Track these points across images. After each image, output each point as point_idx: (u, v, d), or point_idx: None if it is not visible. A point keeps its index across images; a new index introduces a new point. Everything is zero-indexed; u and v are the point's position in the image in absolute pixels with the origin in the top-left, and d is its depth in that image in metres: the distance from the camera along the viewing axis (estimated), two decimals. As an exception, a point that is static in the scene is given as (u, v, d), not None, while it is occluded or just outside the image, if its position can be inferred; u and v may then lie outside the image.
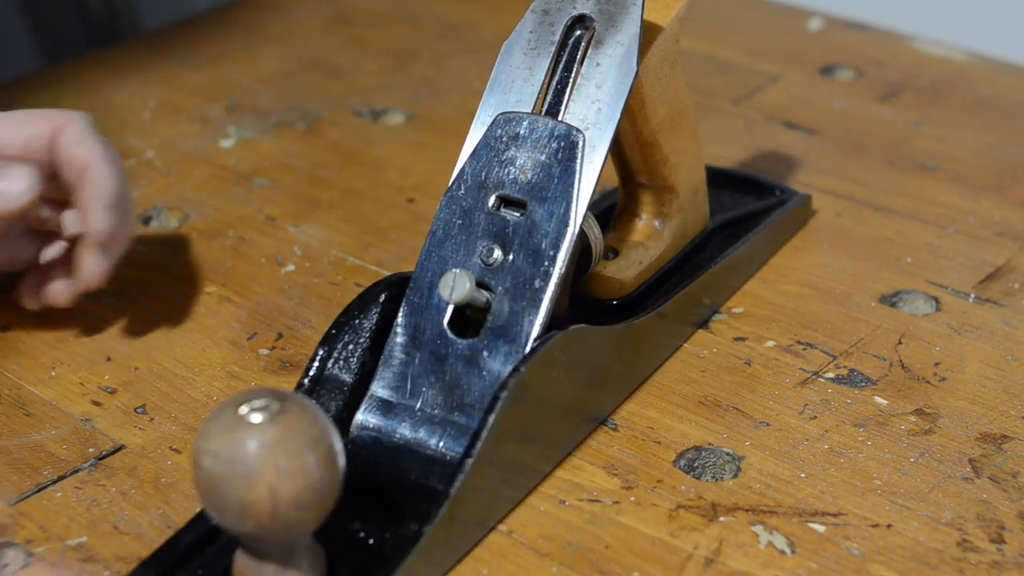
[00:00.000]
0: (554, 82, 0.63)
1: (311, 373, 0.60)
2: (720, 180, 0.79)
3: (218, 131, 0.92)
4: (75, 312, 0.73)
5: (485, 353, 0.60)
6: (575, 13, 0.63)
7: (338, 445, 0.50)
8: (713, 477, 0.61)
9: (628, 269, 0.69)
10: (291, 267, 0.77)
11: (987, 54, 1.00)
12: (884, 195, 0.83)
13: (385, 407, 0.61)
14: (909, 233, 0.79)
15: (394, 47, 1.03)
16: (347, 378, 0.61)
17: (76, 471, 0.62)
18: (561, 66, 0.63)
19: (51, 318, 0.72)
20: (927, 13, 1.08)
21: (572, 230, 0.61)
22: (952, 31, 1.05)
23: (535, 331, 0.60)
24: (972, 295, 0.73)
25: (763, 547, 0.57)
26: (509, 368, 0.59)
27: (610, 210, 0.74)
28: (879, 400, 0.66)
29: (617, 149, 0.70)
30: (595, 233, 0.65)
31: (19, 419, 0.65)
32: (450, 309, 0.61)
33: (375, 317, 0.62)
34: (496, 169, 0.62)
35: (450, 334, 0.61)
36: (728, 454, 0.63)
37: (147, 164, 0.88)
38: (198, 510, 0.56)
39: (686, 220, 0.72)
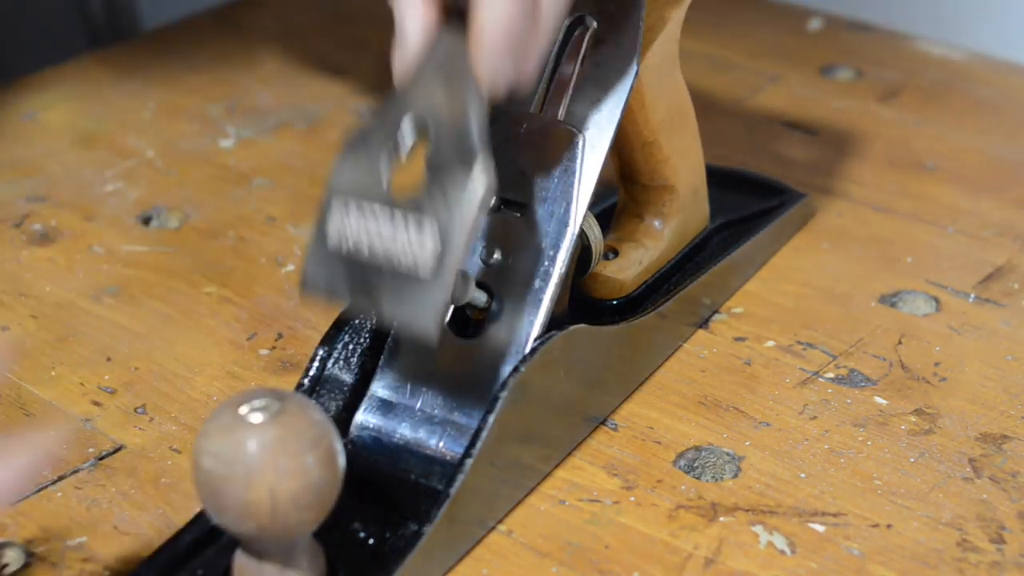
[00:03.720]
0: (554, 82, 0.63)
1: (311, 373, 0.60)
2: (720, 180, 0.79)
3: (218, 131, 0.92)
4: (75, 312, 0.73)
5: (485, 353, 0.60)
6: (575, 13, 0.63)
7: (338, 445, 0.50)
8: (713, 477, 0.61)
9: (628, 269, 0.69)
10: (291, 267, 0.77)
11: (987, 54, 1.00)
12: (884, 195, 0.83)
13: (385, 407, 0.61)
14: (909, 233, 0.79)
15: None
16: (347, 378, 0.61)
17: (76, 471, 0.62)
18: (561, 66, 0.63)
19: (51, 318, 0.72)
20: (927, 13, 1.08)
21: (572, 230, 0.61)
22: (952, 31, 1.05)
23: (535, 331, 0.60)
24: (972, 295, 0.73)
25: (763, 547, 0.57)
26: (509, 368, 0.59)
27: (610, 210, 0.74)
28: (879, 400, 0.66)
29: (617, 149, 0.70)
30: (595, 233, 0.65)
31: (19, 419, 0.65)
32: (450, 309, 0.61)
33: (375, 317, 0.62)
34: (496, 169, 0.62)
35: (450, 334, 0.61)
36: (728, 454, 0.63)
37: (147, 164, 0.88)
38: (198, 510, 0.56)
39: (686, 220, 0.72)
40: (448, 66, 0.56)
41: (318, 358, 0.60)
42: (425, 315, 0.53)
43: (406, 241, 0.54)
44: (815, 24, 1.06)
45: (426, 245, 0.54)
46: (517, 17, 0.53)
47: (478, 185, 0.54)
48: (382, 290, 0.54)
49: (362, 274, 0.55)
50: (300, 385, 0.60)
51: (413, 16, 0.56)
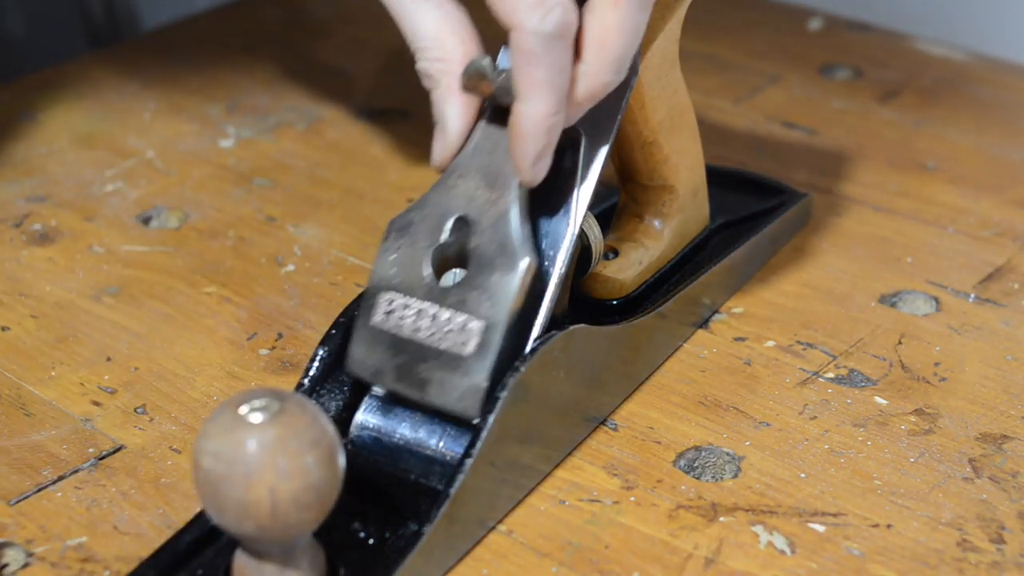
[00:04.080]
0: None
1: (311, 373, 0.60)
2: (720, 180, 0.79)
3: (218, 131, 0.92)
4: (75, 312, 0.73)
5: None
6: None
7: (338, 445, 0.50)
8: (713, 477, 0.61)
9: (628, 269, 0.69)
10: (291, 267, 0.77)
11: (987, 54, 1.00)
12: (884, 195, 0.83)
13: (385, 407, 0.61)
14: (909, 233, 0.79)
15: (394, 47, 1.03)
16: (347, 378, 0.61)
17: (76, 471, 0.62)
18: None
19: (51, 318, 0.72)
20: (927, 13, 1.08)
21: (572, 230, 0.61)
22: (952, 31, 1.05)
23: (535, 331, 0.60)
24: (972, 295, 0.73)
25: (763, 547, 0.57)
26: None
27: (610, 210, 0.74)
28: (879, 400, 0.66)
29: (617, 149, 0.70)
30: (595, 233, 0.65)
31: (19, 419, 0.65)
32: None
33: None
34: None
35: None
36: (728, 454, 0.63)
37: (147, 164, 0.88)
38: (198, 510, 0.56)
39: (686, 220, 0.72)
40: (488, 157, 0.59)
41: (318, 358, 0.60)
42: (467, 399, 0.57)
43: (450, 325, 0.58)
44: (815, 24, 1.06)
45: (470, 327, 0.57)
46: (553, 113, 0.56)
47: (519, 272, 0.57)
48: (425, 374, 0.58)
49: (407, 358, 0.58)
50: (300, 385, 0.60)
51: (453, 104, 0.59)
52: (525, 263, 0.57)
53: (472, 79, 0.57)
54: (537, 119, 0.56)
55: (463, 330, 0.57)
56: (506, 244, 0.58)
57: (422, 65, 0.59)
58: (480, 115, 0.60)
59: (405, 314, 0.58)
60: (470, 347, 0.57)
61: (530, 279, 0.58)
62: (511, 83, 0.56)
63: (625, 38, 0.57)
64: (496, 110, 0.59)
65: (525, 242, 0.58)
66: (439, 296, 0.58)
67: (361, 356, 0.59)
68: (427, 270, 0.59)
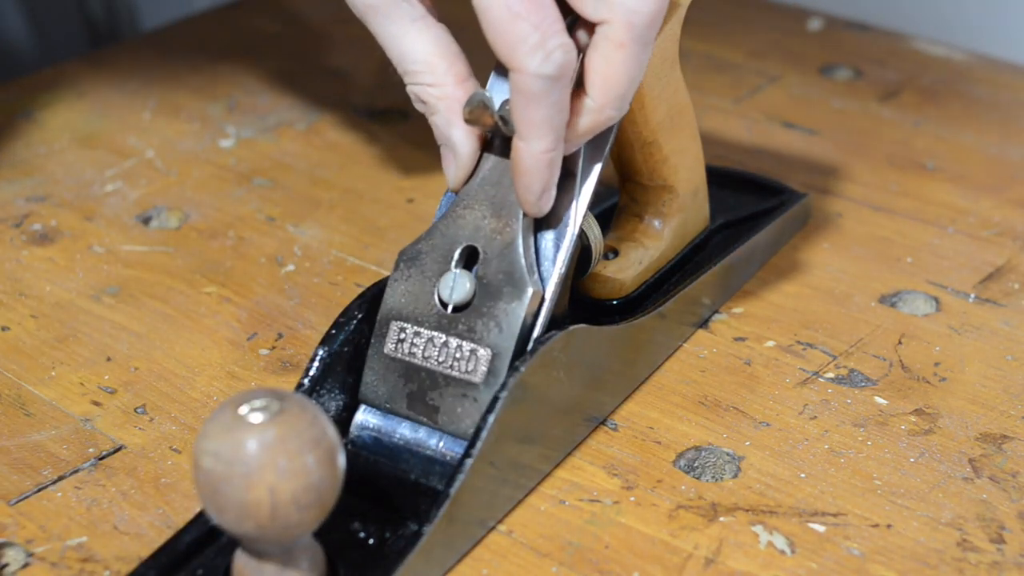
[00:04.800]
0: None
1: (311, 373, 0.60)
2: (720, 180, 0.79)
3: (218, 131, 0.92)
4: (75, 312, 0.73)
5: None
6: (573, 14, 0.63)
7: (338, 445, 0.50)
8: (713, 477, 0.61)
9: (628, 269, 0.69)
10: (291, 267, 0.77)
11: (987, 54, 1.00)
12: (884, 195, 0.83)
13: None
14: (909, 233, 0.79)
15: (394, 47, 1.03)
16: (347, 378, 0.61)
17: (76, 471, 0.62)
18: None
19: (51, 318, 0.72)
20: (927, 13, 1.08)
21: (572, 230, 0.61)
22: (952, 31, 1.05)
23: (535, 331, 0.60)
24: (972, 295, 0.73)
25: (763, 547, 0.57)
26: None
27: (610, 210, 0.74)
28: (879, 400, 0.66)
29: (617, 149, 0.70)
30: (595, 233, 0.65)
31: (19, 419, 0.65)
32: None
33: (375, 317, 0.62)
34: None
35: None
36: (728, 454, 0.63)
37: (147, 164, 0.88)
38: (198, 510, 0.56)
39: (686, 220, 0.72)
40: (494, 188, 0.60)
41: (318, 358, 0.60)
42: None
43: (459, 353, 0.59)
44: (815, 24, 1.06)
45: (479, 355, 0.58)
46: (552, 149, 0.57)
47: (526, 301, 0.58)
48: (436, 401, 0.59)
49: (418, 386, 0.59)
50: (300, 385, 0.60)
51: (458, 127, 0.60)
52: (530, 292, 0.58)
53: (475, 112, 0.58)
54: (537, 155, 0.57)
55: (472, 358, 0.58)
56: (513, 273, 0.59)
57: (413, 89, 0.60)
58: (485, 145, 0.61)
59: (416, 342, 0.59)
60: (479, 375, 0.58)
61: (536, 306, 0.59)
62: (511, 116, 0.57)
63: (629, 77, 0.57)
64: (502, 140, 0.60)
65: (531, 270, 0.59)
66: (448, 325, 0.59)
67: (374, 384, 0.60)
68: (436, 299, 0.60)
